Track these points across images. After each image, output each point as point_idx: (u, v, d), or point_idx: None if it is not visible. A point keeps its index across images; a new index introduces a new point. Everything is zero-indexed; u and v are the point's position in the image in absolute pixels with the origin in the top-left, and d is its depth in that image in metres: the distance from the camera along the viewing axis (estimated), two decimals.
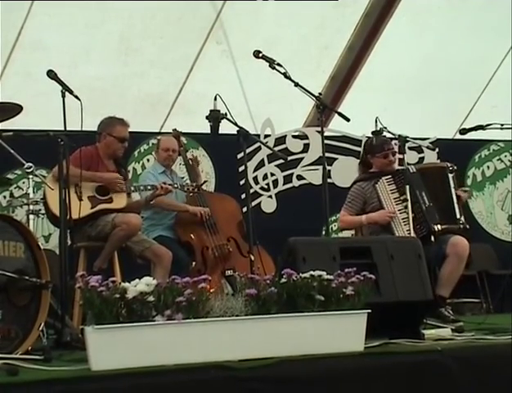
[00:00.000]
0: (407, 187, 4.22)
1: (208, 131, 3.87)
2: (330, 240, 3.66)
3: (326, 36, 6.37)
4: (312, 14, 6.17)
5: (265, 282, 2.71)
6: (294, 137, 6.17)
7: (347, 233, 6.11)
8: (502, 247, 6.42)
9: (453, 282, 4.14)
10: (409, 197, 4.19)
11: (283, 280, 2.71)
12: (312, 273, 2.72)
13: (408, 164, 4.34)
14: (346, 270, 2.78)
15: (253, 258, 3.73)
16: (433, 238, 4.17)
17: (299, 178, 6.12)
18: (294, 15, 6.15)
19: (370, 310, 2.69)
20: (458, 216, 4.31)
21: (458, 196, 4.37)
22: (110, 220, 4.28)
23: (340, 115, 4.05)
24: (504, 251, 6.30)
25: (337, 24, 6.37)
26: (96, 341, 2.41)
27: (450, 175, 4.40)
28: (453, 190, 4.36)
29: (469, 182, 6.63)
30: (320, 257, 2.98)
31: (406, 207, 4.22)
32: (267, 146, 5.08)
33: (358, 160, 6.15)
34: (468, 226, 4.34)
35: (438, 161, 4.51)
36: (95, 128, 4.52)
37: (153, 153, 5.49)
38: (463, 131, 4.23)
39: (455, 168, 4.51)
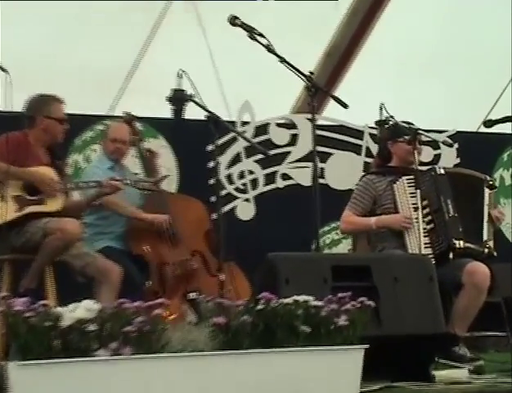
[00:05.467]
0: (418, 191, 4.28)
1: (171, 116, 3.87)
2: (320, 256, 3.69)
3: (322, 3, 6.40)
4: None
5: (237, 309, 2.72)
6: (278, 125, 6.17)
7: (343, 248, 6.17)
8: None
9: (470, 318, 4.19)
10: (420, 204, 4.24)
11: (260, 306, 2.72)
12: (296, 297, 2.74)
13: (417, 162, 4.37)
14: (339, 295, 2.80)
15: (223, 277, 3.74)
16: (451, 255, 4.23)
17: (285, 177, 6.13)
18: None
19: (368, 345, 2.71)
20: (485, 238, 4.38)
21: (490, 217, 4.44)
22: (41, 226, 4.25)
23: (336, 99, 4.07)
24: None
25: None
26: (21, 381, 2.40)
27: (486, 190, 4.48)
28: (486, 207, 4.44)
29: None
30: (307, 278, 3.01)
31: (425, 216, 4.30)
32: (244, 137, 5.08)
33: (359, 157, 6.33)
34: (495, 253, 4.40)
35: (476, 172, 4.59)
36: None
37: (99, 142, 5.46)
38: (489, 123, 4.27)
39: (496, 186, 4.60)
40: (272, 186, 6.12)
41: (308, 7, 6.25)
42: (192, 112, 3.92)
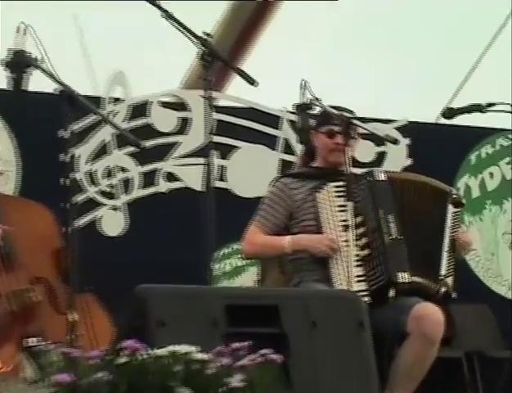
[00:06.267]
0: (350, 203, 4.33)
1: (7, 86, 3.82)
2: (210, 291, 3.68)
3: None
4: None
5: (90, 362, 2.71)
6: (163, 105, 6.20)
7: (247, 279, 6.20)
8: (507, 312, 6.54)
9: (417, 379, 4.27)
10: (351, 221, 4.30)
11: (122, 359, 2.71)
12: (173, 348, 2.74)
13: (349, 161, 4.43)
14: (234, 345, 2.82)
15: (75, 316, 3.72)
16: (392, 293, 4.30)
17: (170, 177, 6.15)
18: None
19: None
20: (443, 272, 4.45)
21: (453, 245, 4.51)
22: None
23: (241, 73, 4.10)
24: (510, 318, 6.40)
25: None
26: None
27: (450, 207, 4.55)
28: (448, 230, 4.51)
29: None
30: (190, 320, 3.01)
31: (359, 238, 4.36)
32: (110, 121, 5.05)
33: (273, 152, 6.36)
34: (454, 295, 4.48)
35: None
36: None
37: None
38: (449, 113, 4.38)
39: (463, 202, 4.71)
40: (152, 189, 6.14)
41: None
42: (39, 83, 3.86)
